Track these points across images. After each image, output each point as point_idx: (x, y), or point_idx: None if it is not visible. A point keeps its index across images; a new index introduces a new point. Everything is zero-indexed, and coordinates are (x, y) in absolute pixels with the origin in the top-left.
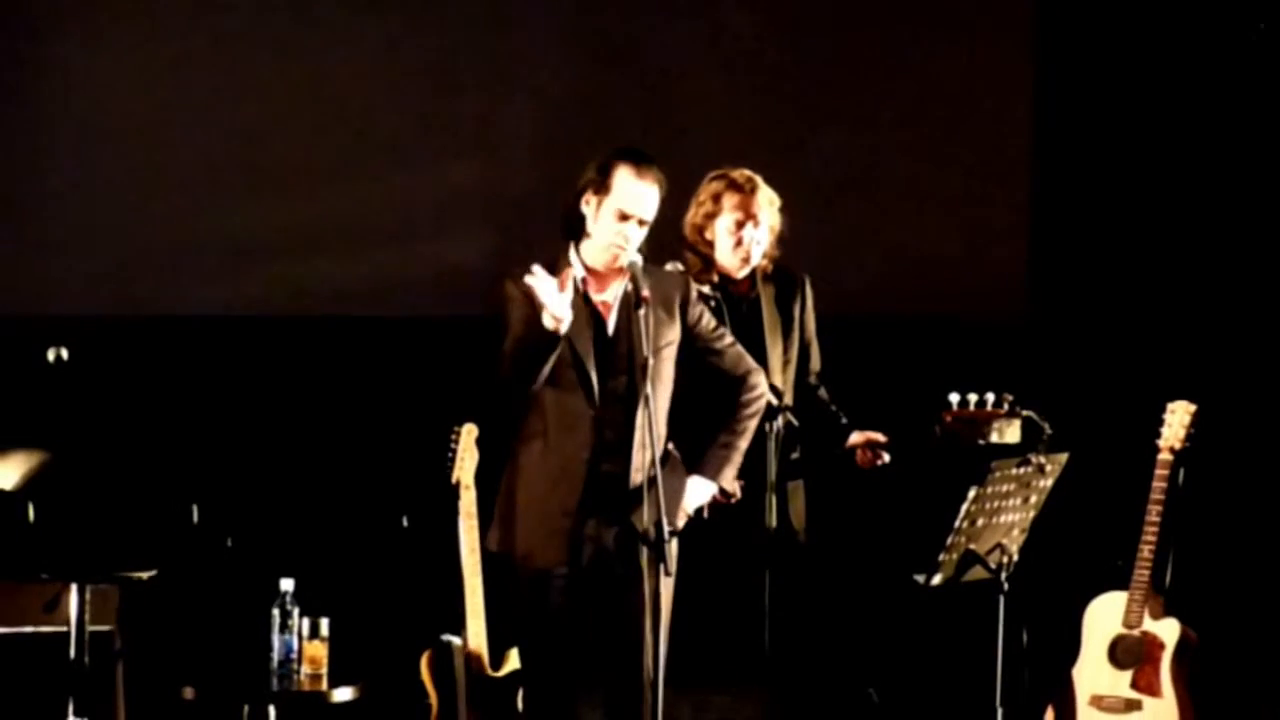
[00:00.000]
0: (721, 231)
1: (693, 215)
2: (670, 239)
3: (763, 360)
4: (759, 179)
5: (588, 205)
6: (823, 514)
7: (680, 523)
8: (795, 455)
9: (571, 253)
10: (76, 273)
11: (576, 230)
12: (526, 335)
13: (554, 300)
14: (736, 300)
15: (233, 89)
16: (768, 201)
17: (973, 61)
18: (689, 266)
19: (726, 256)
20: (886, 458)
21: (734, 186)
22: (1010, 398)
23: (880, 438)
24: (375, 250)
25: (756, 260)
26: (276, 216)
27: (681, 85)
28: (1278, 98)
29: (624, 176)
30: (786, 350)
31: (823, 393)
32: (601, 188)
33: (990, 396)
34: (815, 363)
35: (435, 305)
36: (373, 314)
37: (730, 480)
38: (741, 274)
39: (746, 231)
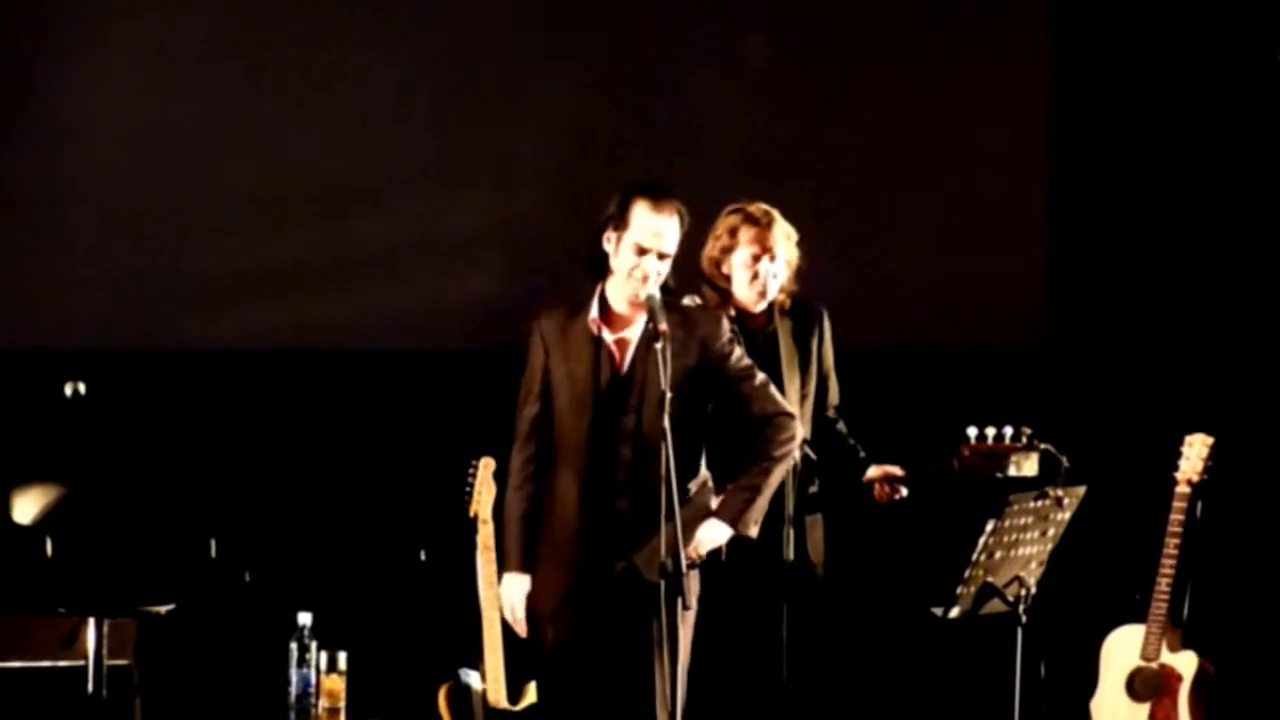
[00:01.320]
0: (738, 266)
1: (709, 249)
2: (690, 273)
3: (780, 394)
4: (776, 213)
5: (609, 242)
6: (841, 547)
7: (684, 563)
8: (814, 489)
9: (596, 292)
10: (94, 307)
11: (600, 268)
12: (504, 547)
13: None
14: (753, 335)
15: (249, 123)
16: (784, 235)
17: (989, 91)
18: (707, 301)
19: (743, 291)
20: (904, 492)
21: (750, 220)
22: (1029, 431)
23: (898, 472)
24: (393, 283)
25: (773, 294)
26: (295, 250)
27: (700, 117)
28: None
29: (641, 211)
30: (804, 384)
31: (841, 426)
32: (621, 223)
33: (1009, 430)
34: (834, 396)
35: (454, 338)
36: (391, 347)
37: (753, 527)
38: (759, 308)
39: (763, 265)
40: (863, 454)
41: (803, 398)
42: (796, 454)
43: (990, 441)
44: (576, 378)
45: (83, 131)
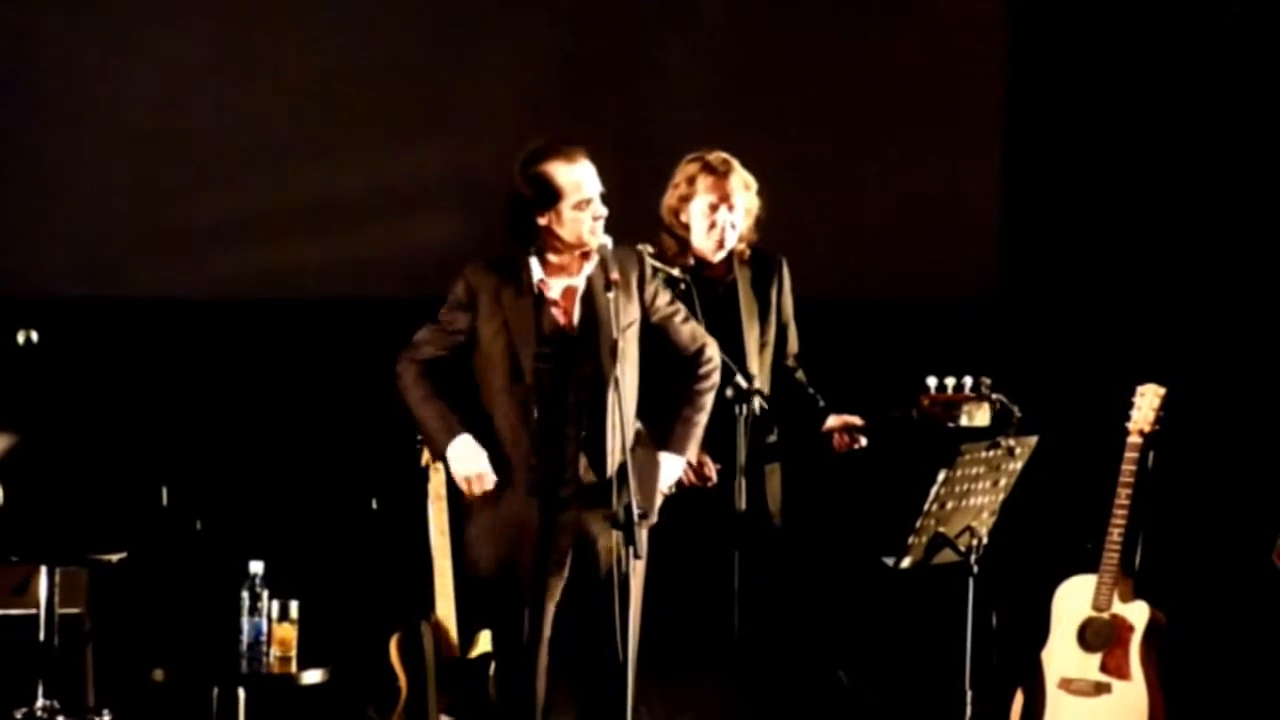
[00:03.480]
0: (696, 214)
1: (668, 198)
2: (642, 223)
3: (739, 343)
4: (735, 161)
5: (543, 219)
6: (793, 497)
7: (657, 504)
8: (771, 438)
9: (533, 261)
10: (46, 255)
11: (529, 239)
12: (428, 429)
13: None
14: (712, 284)
15: (202, 73)
16: (743, 184)
17: (945, 43)
18: (665, 249)
19: (701, 239)
20: (864, 441)
21: (708, 169)
22: (988, 381)
23: (857, 421)
24: (344, 232)
25: (732, 243)
26: (245, 200)
27: (655, 69)
28: (1251, 81)
29: (561, 170)
30: (763, 333)
31: (800, 375)
32: (551, 198)
33: (968, 380)
34: (793, 345)
35: (405, 287)
36: (342, 296)
37: (694, 452)
38: (717, 257)
39: (721, 214)
40: (822, 403)
41: (761, 346)
42: (740, 383)
43: (950, 392)
44: (520, 339)
45: (37, 79)
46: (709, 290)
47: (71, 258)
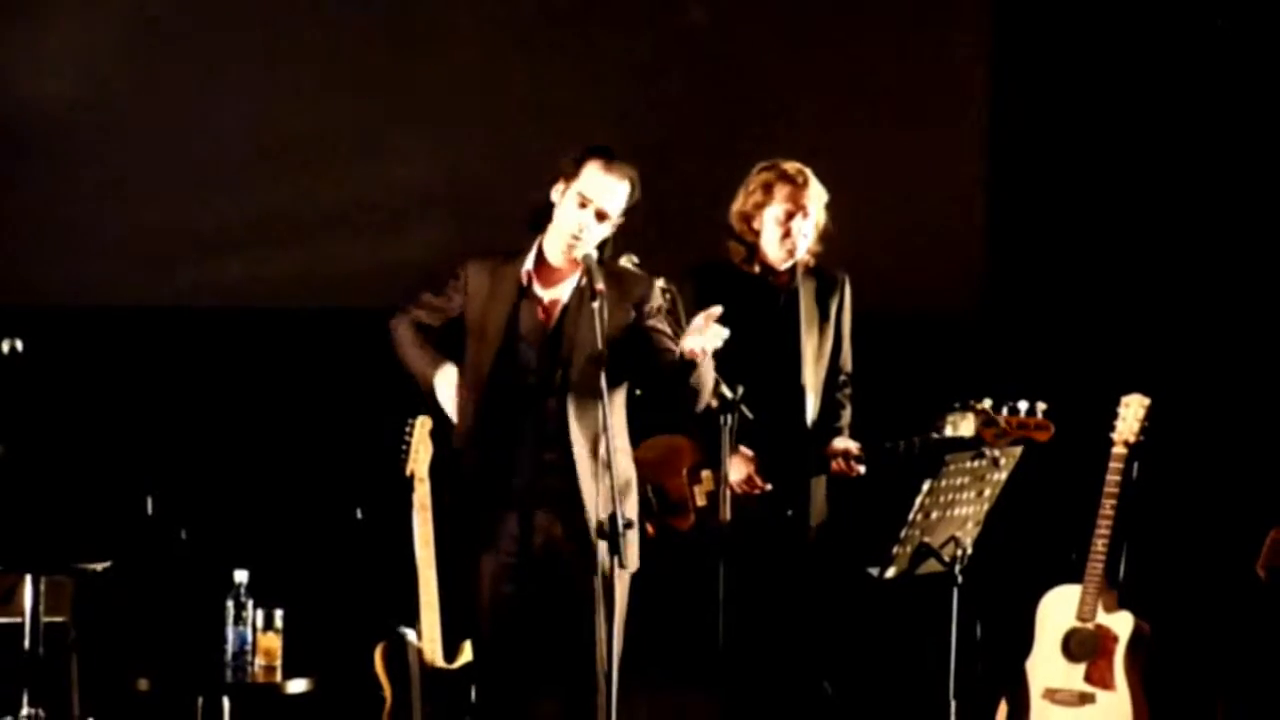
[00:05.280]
0: (770, 222)
1: (741, 204)
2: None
3: (796, 352)
4: (810, 172)
5: (556, 193)
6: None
7: (621, 521)
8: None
9: (534, 245)
10: (30, 264)
11: (542, 220)
12: (415, 367)
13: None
14: (775, 291)
15: (190, 82)
16: (817, 196)
17: (929, 55)
18: (732, 255)
19: (773, 247)
20: (861, 470)
21: (787, 179)
22: (1044, 406)
23: (854, 450)
24: (329, 242)
25: (801, 254)
26: (229, 209)
27: (639, 81)
28: (1236, 93)
29: (592, 167)
30: (821, 344)
31: (842, 395)
32: (571, 176)
33: (1023, 405)
34: (845, 362)
35: (390, 297)
36: (327, 305)
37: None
38: (784, 266)
39: (795, 223)
40: (839, 424)
41: (817, 358)
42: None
43: (1005, 414)
44: (503, 327)
45: (27, 89)
46: (772, 298)
47: (56, 267)
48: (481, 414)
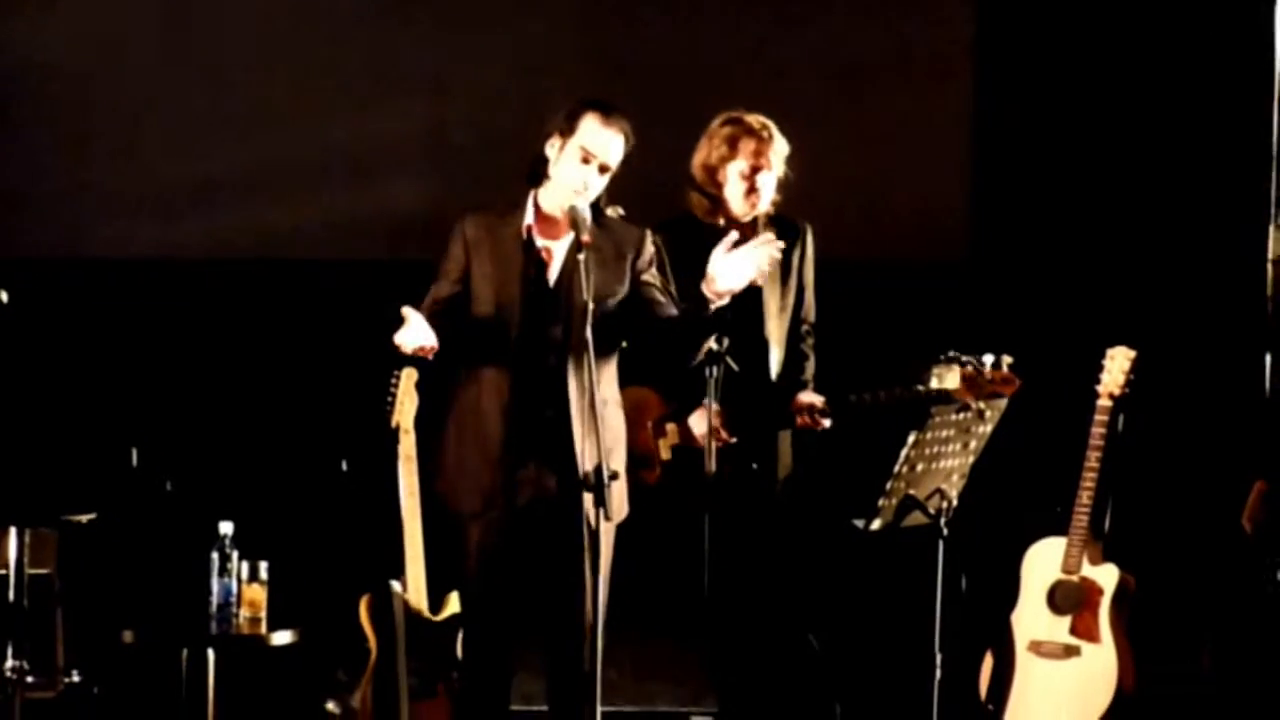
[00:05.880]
0: (734, 176)
1: (705, 156)
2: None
3: (758, 305)
4: (773, 126)
5: (551, 148)
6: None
7: (607, 474)
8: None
9: (530, 198)
10: (16, 215)
11: (538, 174)
12: None
13: (412, 341)
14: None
15: (180, 31)
16: (781, 150)
17: (915, 8)
18: (695, 207)
19: (737, 201)
20: (826, 424)
21: (751, 133)
22: (1009, 359)
23: (819, 403)
24: (317, 194)
25: (764, 207)
26: (217, 161)
27: (632, 36)
28: (1217, 48)
29: (590, 121)
30: (784, 296)
31: (806, 345)
32: (567, 130)
33: (989, 358)
34: (808, 312)
35: (376, 248)
36: (312, 257)
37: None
38: (747, 218)
39: (760, 178)
40: (804, 376)
41: (780, 310)
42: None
43: (972, 368)
44: (505, 282)
45: (8, 35)
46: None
47: (42, 219)
48: (484, 368)
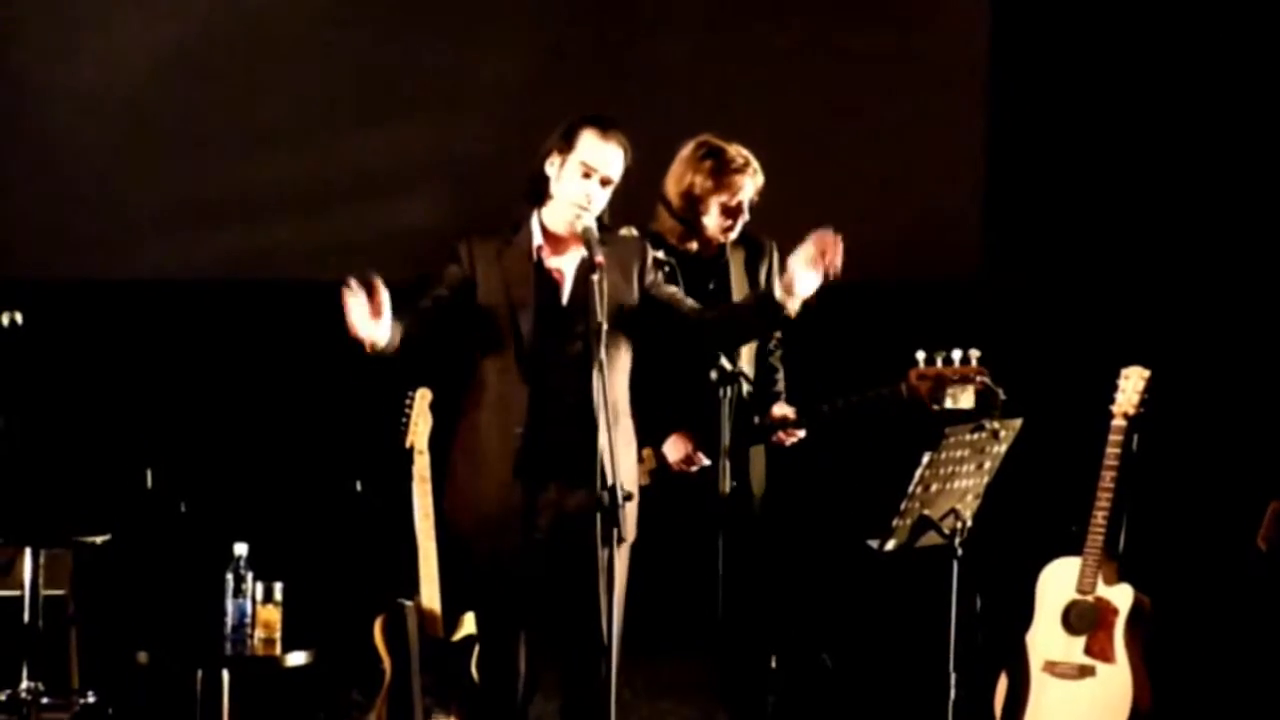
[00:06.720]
0: (716, 208)
1: (687, 185)
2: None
3: None
4: (751, 157)
5: (551, 166)
6: (778, 479)
7: (620, 494)
8: (757, 420)
9: (533, 219)
10: (30, 237)
11: (539, 193)
12: None
13: (360, 323)
14: (706, 264)
15: (186, 50)
16: (760, 181)
17: (929, 24)
18: (666, 231)
19: (715, 230)
20: (800, 434)
21: (736, 170)
22: (977, 353)
23: (790, 415)
24: (329, 213)
25: (736, 233)
26: (229, 180)
27: (643, 52)
28: (1239, 67)
29: (588, 136)
30: None
31: (774, 359)
32: (566, 148)
33: (957, 354)
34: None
35: (390, 268)
36: (327, 278)
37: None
38: (719, 242)
39: (742, 212)
40: (776, 389)
41: None
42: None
43: (939, 365)
44: (517, 305)
45: (18, 59)
46: (703, 271)
47: (55, 240)
48: (495, 390)
